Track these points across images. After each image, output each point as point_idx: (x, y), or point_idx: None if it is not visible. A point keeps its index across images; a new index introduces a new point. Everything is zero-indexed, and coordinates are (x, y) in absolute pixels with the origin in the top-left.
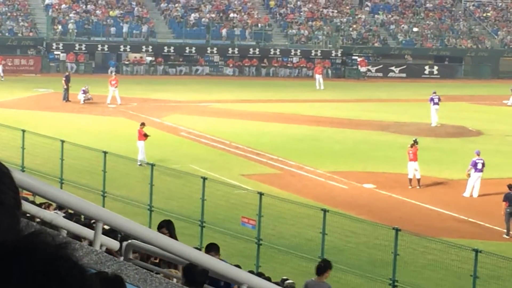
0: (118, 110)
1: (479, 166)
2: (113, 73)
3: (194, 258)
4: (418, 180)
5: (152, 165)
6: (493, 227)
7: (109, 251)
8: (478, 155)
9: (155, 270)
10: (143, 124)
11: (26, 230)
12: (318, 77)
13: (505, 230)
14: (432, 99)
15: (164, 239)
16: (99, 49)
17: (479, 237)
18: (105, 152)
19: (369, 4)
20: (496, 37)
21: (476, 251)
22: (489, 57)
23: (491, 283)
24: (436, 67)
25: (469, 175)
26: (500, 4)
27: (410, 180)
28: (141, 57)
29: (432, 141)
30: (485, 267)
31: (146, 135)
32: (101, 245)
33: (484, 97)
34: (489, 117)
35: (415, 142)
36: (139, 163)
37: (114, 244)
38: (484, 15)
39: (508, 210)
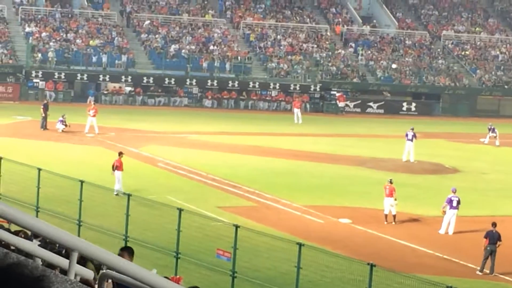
0: (96, 140)
1: (454, 203)
2: (92, 102)
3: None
4: (394, 216)
5: (129, 195)
6: (468, 264)
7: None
8: (454, 192)
9: None
10: (121, 154)
11: (4, 261)
12: (297, 111)
13: (479, 267)
14: (406, 135)
15: (139, 270)
16: (78, 78)
17: (453, 274)
18: (81, 181)
19: (352, 44)
20: (474, 75)
21: None
22: (466, 95)
23: None
24: (414, 104)
25: (444, 212)
26: (478, 43)
27: (386, 216)
28: (120, 87)
29: (408, 178)
30: None
31: (114, 166)
32: (76, 275)
33: (461, 135)
34: (466, 155)
35: (390, 182)
36: (115, 193)
37: (89, 273)
38: (463, 53)
39: (488, 247)
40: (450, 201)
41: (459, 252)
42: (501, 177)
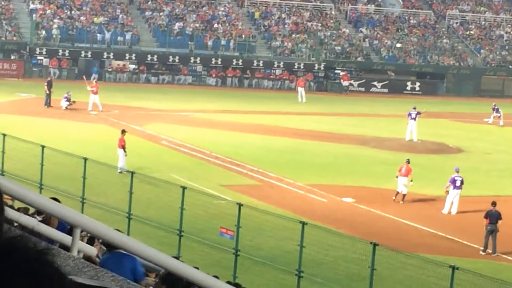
0: (100, 117)
1: (458, 183)
2: (94, 80)
3: (172, 267)
4: (404, 195)
5: (132, 173)
6: (471, 244)
7: (87, 257)
8: (457, 172)
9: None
10: (124, 132)
11: (8, 234)
12: (300, 90)
13: (482, 247)
14: (409, 114)
15: (142, 247)
16: (82, 55)
17: (456, 253)
18: (85, 159)
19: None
20: (478, 55)
21: (453, 268)
22: (471, 75)
23: None
24: (418, 84)
25: (447, 192)
26: (483, 22)
27: (397, 193)
28: (124, 65)
29: (412, 157)
30: (461, 284)
31: (124, 147)
32: (79, 251)
33: (465, 115)
34: (470, 135)
35: (408, 161)
36: (119, 171)
37: (92, 250)
38: (467, 33)
39: (489, 227)
40: (453, 181)
41: (462, 232)
42: (504, 157)
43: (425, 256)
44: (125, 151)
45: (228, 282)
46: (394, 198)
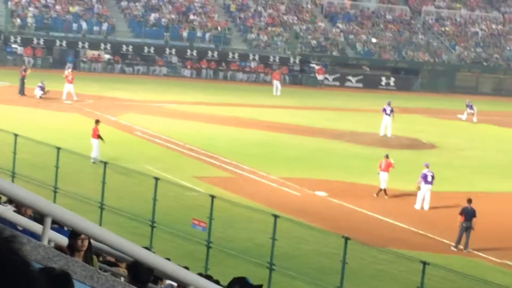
0: (74, 107)
1: (429, 178)
2: (70, 69)
3: (142, 257)
4: (384, 190)
5: (105, 163)
6: (443, 240)
7: (58, 247)
8: (427, 167)
9: (103, 268)
10: (97, 122)
11: None
12: (276, 83)
13: (454, 243)
14: (384, 110)
15: (113, 237)
16: (57, 44)
17: (428, 249)
18: (58, 148)
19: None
20: (453, 51)
21: (424, 263)
22: (445, 71)
23: None
24: (392, 79)
25: (419, 187)
26: (458, 19)
27: (380, 190)
28: (99, 55)
29: (385, 152)
30: (432, 279)
31: (100, 136)
32: (50, 241)
33: (439, 111)
34: (443, 131)
35: (387, 156)
36: (92, 161)
37: (63, 240)
38: (443, 29)
39: (464, 224)
40: (425, 177)
41: (434, 227)
42: (477, 153)
43: (397, 251)
44: (102, 139)
45: (200, 274)
46: (386, 196)
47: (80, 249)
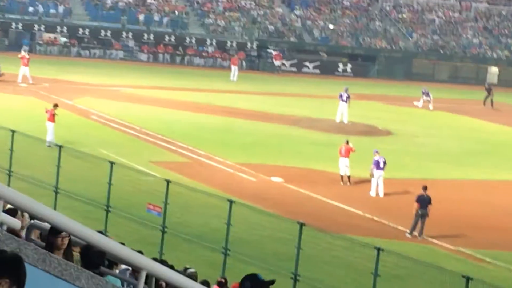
0: (29, 90)
1: (381, 164)
2: (26, 52)
3: (96, 241)
4: (348, 177)
5: (60, 147)
6: (397, 227)
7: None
8: (378, 153)
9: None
10: (56, 105)
11: None
12: (234, 68)
13: (409, 230)
14: (341, 96)
15: (65, 220)
16: (13, 27)
17: (383, 235)
18: (13, 131)
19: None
20: (410, 39)
21: (378, 250)
22: (402, 58)
23: (392, 282)
24: (349, 65)
25: (372, 174)
26: (416, 6)
27: (342, 177)
28: (55, 38)
29: (342, 138)
30: (386, 266)
31: (52, 115)
32: (2, 224)
33: (395, 98)
34: (399, 118)
35: (347, 142)
36: (47, 144)
37: (16, 223)
38: (400, 16)
39: (419, 211)
40: (377, 163)
41: (389, 214)
42: (433, 140)
43: (352, 237)
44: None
45: (154, 259)
46: (341, 183)
47: (60, 248)
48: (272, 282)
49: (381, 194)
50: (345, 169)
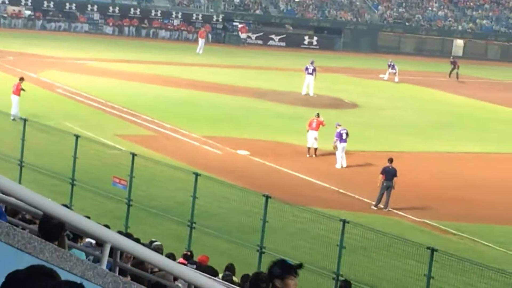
0: None
1: (344, 136)
2: None
3: (59, 214)
4: (315, 149)
5: (25, 120)
6: (363, 199)
7: None
8: (340, 125)
9: (20, 225)
10: (22, 79)
11: None
12: (201, 41)
13: (374, 202)
14: (306, 69)
15: (26, 192)
16: None
17: (348, 208)
18: None
19: None
20: (376, 11)
21: (344, 222)
22: (368, 30)
23: (358, 253)
24: (315, 38)
25: (335, 147)
26: None
27: (309, 149)
28: (19, 11)
29: (308, 111)
30: (352, 238)
31: (18, 90)
32: None
33: (361, 70)
34: (365, 91)
35: (318, 115)
36: (12, 118)
37: None
38: None
39: (384, 183)
40: (340, 135)
41: (354, 186)
42: (399, 113)
43: (318, 210)
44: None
45: (120, 232)
46: (308, 155)
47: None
48: (300, 265)
49: (344, 165)
50: (313, 142)
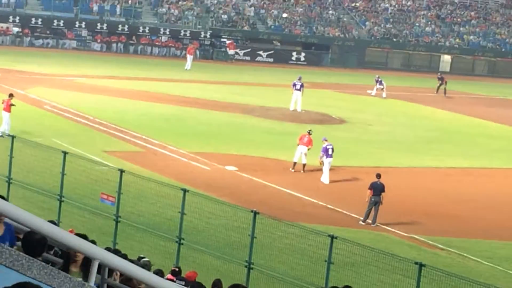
0: None
1: (330, 151)
2: None
3: (46, 231)
4: (304, 165)
5: (13, 137)
6: (351, 214)
7: None
8: (326, 140)
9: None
10: (11, 95)
11: None
12: (190, 57)
13: (362, 218)
14: (294, 85)
15: (18, 211)
16: None
17: (336, 223)
18: None
19: None
20: (363, 27)
21: (332, 237)
22: (355, 46)
23: (345, 269)
24: (303, 54)
25: (322, 162)
26: None
27: (295, 163)
28: (7, 27)
29: (295, 127)
30: (340, 254)
31: (8, 106)
32: None
33: (349, 86)
34: (353, 106)
35: (309, 133)
36: (0, 134)
37: None
38: (353, 5)
39: (372, 199)
40: (326, 150)
41: (342, 202)
42: (386, 128)
43: (306, 225)
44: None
45: (107, 249)
46: (292, 169)
47: (75, 260)
48: None
49: (328, 181)
50: (302, 157)
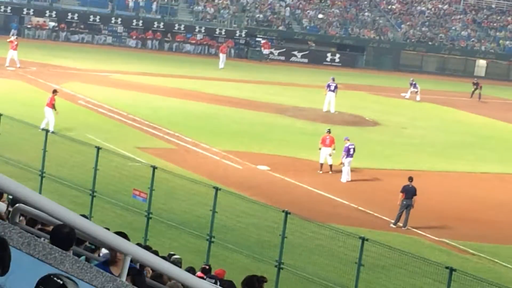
0: (17, 73)
1: (351, 151)
2: (14, 36)
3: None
4: (331, 166)
5: (47, 131)
6: (382, 217)
7: None
8: (348, 140)
9: (41, 235)
10: (55, 92)
11: None
12: (222, 56)
13: (393, 220)
14: (328, 86)
15: (51, 204)
16: (1, 10)
17: (367, 225)
18: (0, 115)
19: None
20: (399, 30)
21: (363, 239)
22: (391, 49)
23: (375, 271)
24: (338, 55)
25: (342, 163)
26: None
27: (321, 165)
28: (44, 22)
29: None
30: (370, 256)
31: (54, 106)
32: None
33: (383, 88)
34: (387, 109)
35: (329, 131)
36: (51, 130)
37: (1, 206)
38: (389, 7)
39: (404, 202)
40: (347, 150)
41: (374, 204)
42: (419, 132)
43: (337, 227)
44: (55, 109)
45: (139, 244)
46: (320, 171)
47: (115, 260)
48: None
49: (349, 179)
50: (328, 158)
